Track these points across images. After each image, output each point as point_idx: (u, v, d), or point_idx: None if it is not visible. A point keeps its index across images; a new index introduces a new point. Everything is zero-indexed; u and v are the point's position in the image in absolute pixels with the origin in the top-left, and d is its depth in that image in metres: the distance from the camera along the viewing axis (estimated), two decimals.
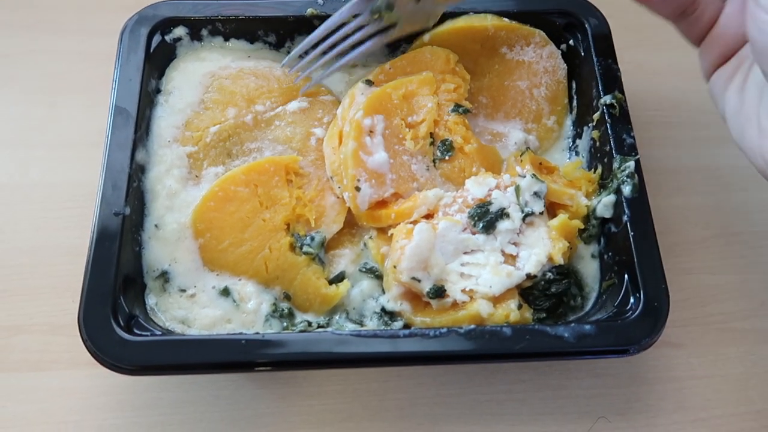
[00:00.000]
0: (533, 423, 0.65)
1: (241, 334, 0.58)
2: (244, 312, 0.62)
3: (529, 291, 0.64)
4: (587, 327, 0.57)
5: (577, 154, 0.72)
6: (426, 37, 0.72)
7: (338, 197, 0.67)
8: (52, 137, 0.79)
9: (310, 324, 0.63)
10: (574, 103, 0.74)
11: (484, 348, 0.57)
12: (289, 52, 0.75)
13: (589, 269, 0.67)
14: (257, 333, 0.58)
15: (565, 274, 0.64)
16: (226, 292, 0.63)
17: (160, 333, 0.58)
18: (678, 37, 0.87)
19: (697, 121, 0.83)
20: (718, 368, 0.68)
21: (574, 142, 0.73)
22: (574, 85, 0.74)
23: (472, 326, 0.57)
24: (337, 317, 0.64)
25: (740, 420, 0.65)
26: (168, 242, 0.64)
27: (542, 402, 0.66)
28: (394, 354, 0.56)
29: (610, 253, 0.65)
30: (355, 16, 0.66)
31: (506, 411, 0.65)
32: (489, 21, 0.71)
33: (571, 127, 0.74)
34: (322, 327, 0.63)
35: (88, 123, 0.79)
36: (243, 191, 0.65)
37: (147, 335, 0.57)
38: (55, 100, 0.81)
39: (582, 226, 0.66)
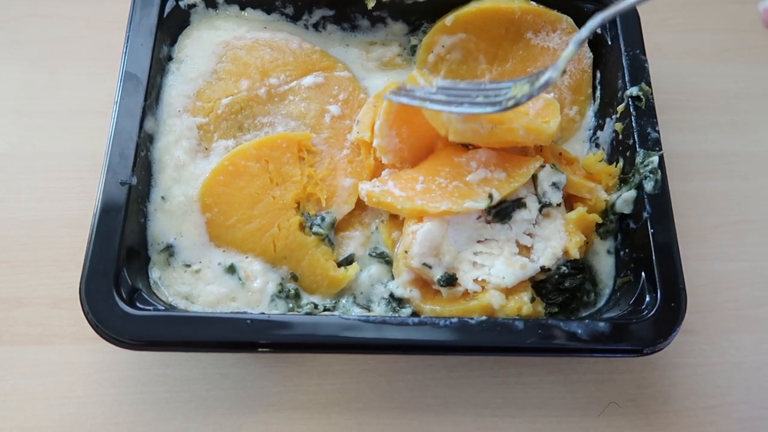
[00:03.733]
0: (544, 407, 0.64)
1: (246, 313, 0.57)
2: (250, 291, 0.61)
3: (541, 284, 0.63)
4: (601, 324, 0.56)
5: (597, 146, 0.70)
6: (449, 20, 0.70)
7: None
8: (55, 106, 0.76)
9: (316, 306, 0.61)
10: (597, 93, 0.72)
11: (495, 341, 0.55)
12: (306, 26, 0.73)
13: (604, 265, 0.65)
14: (263, 313, 0.56)
15: (580, 269, 0.63)
16: (231, 270, 0.61)
17: (163, 308, 0.56)
18: (698, 20, 0.85)
19: (715, 106, 0.81)
20: (731, 355, 0.67)
21: (594, 133, 0.71)
22: (598, 75, 0.72)
23: (484, 318, 0.56)
24: (344, 301, 0.62)
25: (752, 408, 0.64)
26: (174, 215, 0.62)
27: (553, 386, 0.65)
28: (402, 342, 0.54)
29: (626, 250, 0.63)
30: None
31: (516, 395, 0.64)
32: (516, 3, 0.69)
33: (593, 118, 0.72)
34: (328, 310, 0.62)
35: (92, 92, 0.77)
36: (254, 166, 0.63)
37: (150, 309, 0.55)
38: (58, 67, 0.79)
39: (600, 221, 0.64)
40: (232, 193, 0.62)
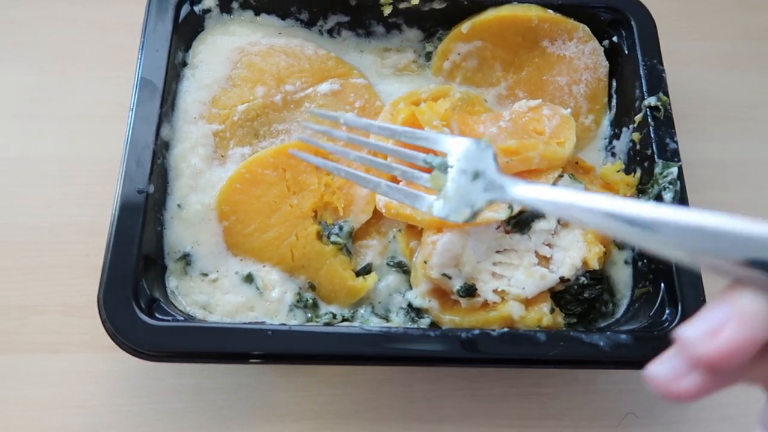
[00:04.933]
0: (562, 418, 0.63)
1: (267, 324, 0.56)
2: (268, 300, 0.60)
3: (560, 294, 0.63)
4: (623, 337, 0.56)
5: (613, 155, 0.70)
6: (465, 27, 0.69)
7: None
8: (66, 110, 0.75)
9: (334, 316, 0.61)
10: (613, 102, 0.72)
11: (517, 353, 0.55)
12: (320, 32, 0.72)
13: (622, 275, 0.65)
14: (284, 324, 0.56)
15: (598, 279, 0.63)
16: (249, 279, 0.60)
17: (182, 318, 0.56)
18: (712, 28, 0.85)
19: (728, 115, 0.81)
20: None
21: (610, 142, 0.71)
22: (614, 84, 0.72)
23: (506, 329, 0.56)
24: (362, 311, 0.62)
25: None
26: (191, 223, 0.62)
27: (570, 397, 0.64)
28: (424, 354, 0.54)
29: (644, 260, 0.63)
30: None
31: (534, 405, 0.64)
32: (533, 12, 0.69)
33: (609, 127, 0.72)
34: (346, 320, 0.61)
35: (103, 96, 0.76)
36: (271, 174, 0.63)
37: (169, 320, 0.55)
38: (67, 71, 0.77)
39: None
40: (249, 201, 0.62)
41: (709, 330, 0.31)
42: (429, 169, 0.51)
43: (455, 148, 0.50)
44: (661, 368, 0.33)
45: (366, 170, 0.58)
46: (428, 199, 0.51)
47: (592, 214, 0.38)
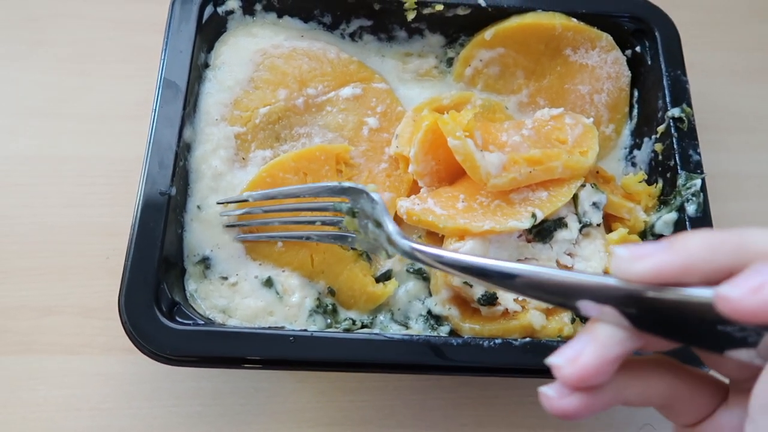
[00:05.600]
0: (579, 428, 0.63)
1: (289, 330, 0.56)
2: (287, 305, 0.60)
3: None
4: None
5: (633, 165, 0.70)
6: (488, 34, 0.69)
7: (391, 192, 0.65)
8: (84, 109, 0.75)
9: (354, 322, 0.61)
10: (635, 112, 0.72)
11: (539, 363, 0.54)
12: (342, 35, 0.72)
13: None
14: (305, 330, 0.56)
15: None
16: (269, 283, 0.60)
17: (203, 322, 0.55)
18: (734, 39, 0.84)
19: (748, 127, 0.81)
20: None
21: (631, 152, 0.71)
22: (635, 94, 0.72)
23: (528, 339, 0.55)
24: (381, 317, 0.62)
25: None
26: (211, 226, 0.61)
27: None
28: (447, 363, 0.54)
29: None
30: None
31: (551, 415, 0.63)
32: (557, 20, 0.68)
33: (629, 137, 0.72)
34: (365, 326, 0.61)
35: (122, 95, 0.75)
36: (292, 179, 0.62)
37: (190, 324, 0.55)
38: (87, 69, 0.77)
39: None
40: None
41: (572, 355, 0.37)
42: (340, 213, 0.58)
43: (352, 195, 0.57)
44: (549, 390, 0.38)
45: (295, 228, 0.61)
46: (352, 238, 0.58)
47: (456, 268, 0.44)
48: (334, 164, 0.64)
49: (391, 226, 0.52)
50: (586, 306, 0.37)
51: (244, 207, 0.61)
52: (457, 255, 0.44)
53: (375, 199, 0.55)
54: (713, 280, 0.33)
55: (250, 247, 0.61)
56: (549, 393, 0.38)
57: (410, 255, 0.49)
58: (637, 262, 0.35)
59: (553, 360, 0.38)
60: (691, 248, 0.34)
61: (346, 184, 0.57)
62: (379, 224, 0.54)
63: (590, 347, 0.36)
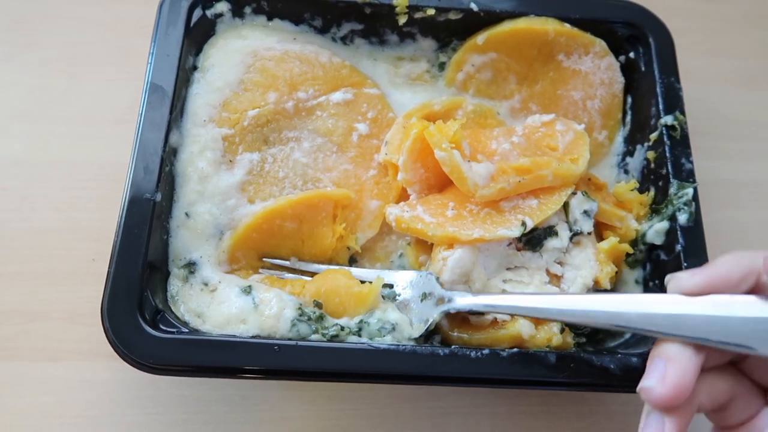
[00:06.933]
0: None
1: (274, 339, 0.55)
2: (263, 315, 0.57)
3: None
4: (634, 359, 0.55)
5: (626, 172, 0.69)
6: (480, 38, 0.68)
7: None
8: (73, 112, 0.74)
9: (342, 329, 0.60)
10: (628, 118, 0.71)
11: (527, 374, 0.54)
12: (333, 39, 0.71)
13: None
14: (291, 340, 0.55)
15: None
16: (247, 291, 0.59)
17: (186, 330, 0.55)
18: (729, 45, 0.84)
19: (743, 134, 0.80)
20: None
21: (623, 159, 0.70)
22: (629, 100, 0.71)
23: (516, 350, 0.55)
24: (371, 325, 0.61)
25: None
26: (199, 235, 0.61)
27: (578, 416, 0.64)
28: (434, 373, 0.53)
29: (656, 281, 0.62)
30: None
31: (541, 424, 0.63)
32: (550, 25, 0.68)
33: (622, 144, 0.71)
34: (355, 334, 0.60)
35: (111, 98, 0.75)
36: (289, 227, 0.61)
37: (174, 332, 0.54)
38: (76, 72, 0.76)
39: (631, 251, 0.63)
40: (262, 249, 0.62)
41: (659, 377, 0.44)
42: None
43: (401, 279, 0.60)
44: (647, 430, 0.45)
45: None
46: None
47: (527, 311, 0.53)
48: (331, 210, 0.63)
49: (443, 290, 0.58)
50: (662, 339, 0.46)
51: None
52: (520, 298, 0.53)
53: (428, 274, 0.59)
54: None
55: (235, 269, 0.61)
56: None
57: (472, 308, 0.56)
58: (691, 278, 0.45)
59: (644, 384, 0.44)
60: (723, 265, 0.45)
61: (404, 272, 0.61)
62: (425, 296, 0.58)
63: (671, 366, 0.44)
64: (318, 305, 0.59)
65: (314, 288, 0.59)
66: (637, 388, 0.45)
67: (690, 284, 0.45)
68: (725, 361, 0.47)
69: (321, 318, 0.60)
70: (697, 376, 0.44)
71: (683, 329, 0.45)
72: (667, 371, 0.44)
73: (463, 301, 0.56)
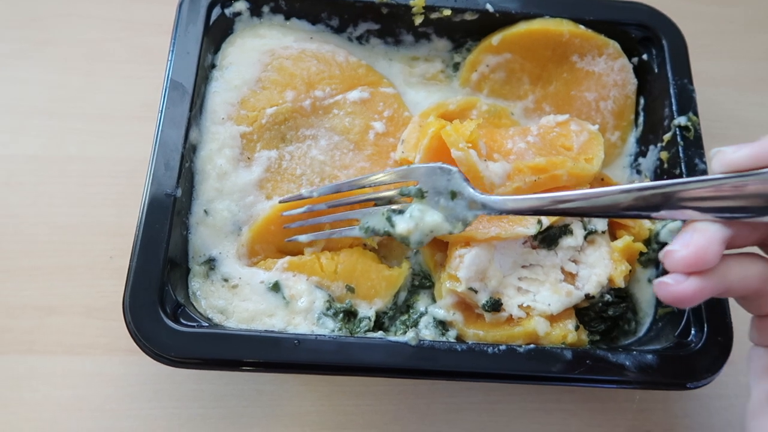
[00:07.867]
0: None
1: (292, 333, 0.56)
2: (293, 310, 0.59)
3: (584, 311, 0.62)
4: (649, 357, 0.56)
5: (638, 173, 0.70)
6: (495, 39, 0.69)
7: None
8: (89, 109, 0.74)
9: (360, 322, 0.60)
10: (640, 119, 0.72)
11: (543, 370, 0.55)
12: (349, 38, 0.72)
13: (645, 294, 0.65)
14: (309, 333, 0.56)
15: (623, 297, 0.63)
16: (276, 288, 0.60)
17: (207, 324, 0.55)
18: (738, 48, 0.84)
19: (755, 135, 0.79)
20: None
21: (636, 159, 0.71)
22: (641, 101, 0.72)
23: (532, 346, 0.56)
24: (395, 324, 0.61)
25: None
26: (218, 232, 0.61)
27: (590, 413, 0.64)
28: (450, 369, 0.54)
29: None
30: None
31: (554, 421, 0.64)
32: (565, 26, 0.68)
33: (635, 144, 0.72)
34: (382, 328, 0.60)
35: (128, 95, 0.75)
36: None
37: (194, 326, 0.54)
38: (93, 69, 0.77)
39: (645, 250, 0.64)
40: (280, 242, 0.62)
41: (685, 242, 0.45)
42: (409, 199, 0.58)
43: (421, 174, 0.57)
44: (667, 278, 0.45)
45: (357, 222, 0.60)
46: (413, 206, 0.57)
47: (565, 209, 0.50)
48: None
49: (473, 190, 0.54)
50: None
51: (305, 204, 0.60)
52: (557, 195, 0.50)
53: (451, 170, 0.55)
54: None
55: (255, 262, 0.61)
56: (667, 281, 0.45)
57: (506, 210, 0.53)
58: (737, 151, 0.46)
59: (669, 247, 0.45)
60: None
61: (417, 165, 0.58)
62: (455, 195, 0.55)
63: (697, 234, 0.45)
64: (350, 289, 0.60)
65: (346, 271, 0.60)
66: (660, 255, 0.46)
67: (735, 157, 0.46)
68: (754, 240, 0.47)
69: (350, 313, 0.60)
70: (724, 248, 0.44)
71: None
72: (693, 238, 0.45)
73: (498, 205, 0.53)
